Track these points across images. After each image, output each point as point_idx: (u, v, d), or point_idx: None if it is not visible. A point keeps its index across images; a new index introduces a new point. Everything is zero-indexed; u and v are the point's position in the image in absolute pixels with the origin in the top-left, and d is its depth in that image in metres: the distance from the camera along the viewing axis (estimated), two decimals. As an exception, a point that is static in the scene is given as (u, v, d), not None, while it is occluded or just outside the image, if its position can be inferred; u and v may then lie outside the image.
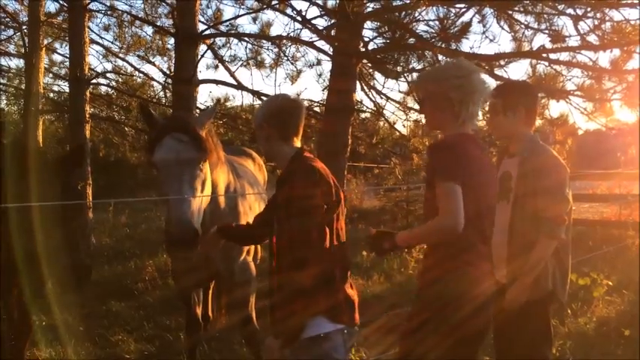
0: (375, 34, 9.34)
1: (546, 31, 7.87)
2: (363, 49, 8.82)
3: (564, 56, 7.77)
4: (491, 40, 8.08)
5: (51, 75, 14.53)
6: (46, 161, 3.56)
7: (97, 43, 12.20)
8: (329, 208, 2.50)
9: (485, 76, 2.64)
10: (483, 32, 7.95)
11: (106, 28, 12.17)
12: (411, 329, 2.54)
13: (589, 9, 7.30)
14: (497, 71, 8.06)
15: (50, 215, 3.18)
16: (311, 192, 2.44)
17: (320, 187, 2.48)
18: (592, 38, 7.50)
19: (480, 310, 2.43)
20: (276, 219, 2.56)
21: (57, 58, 14.43)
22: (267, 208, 2.93)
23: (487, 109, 3.28)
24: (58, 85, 15.19)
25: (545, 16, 7.87)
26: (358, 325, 2.62)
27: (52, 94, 14.74)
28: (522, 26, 8.30)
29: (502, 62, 8.16)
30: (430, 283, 2.46)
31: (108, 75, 13.22)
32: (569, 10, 7.52)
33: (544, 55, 7.70)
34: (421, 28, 8.20)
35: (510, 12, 8.08)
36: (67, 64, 10.60)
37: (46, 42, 11.64)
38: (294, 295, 2.40)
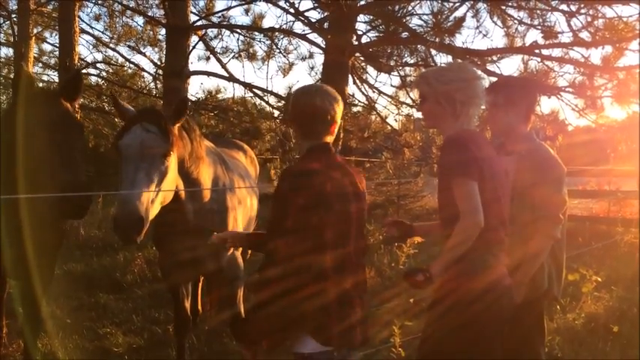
0: (369, 28, 9.33)
1: (539, 27, 7.88)
2: (356, 43, 8.78)
3: (556, 52, 7.82)
4: (484, 36, 8.11)
5: (40, 64, 14.42)
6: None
7: (88, 33, 12.12)
8: None
9: (484, 82, 2.64)
10: (477, 27, 7.97)
11: (97, 18, 12.10)
12: (434, 320, 2.53)
13: (582, 5, 7.32)
14: (490, 66, 8.08)
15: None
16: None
17: None
18: (584, 35, 7.54)
19: (503, 302, 2.48)
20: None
21: (46, 47, 14.33)
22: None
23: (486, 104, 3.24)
24: (48, 75, 15.07)
25: (538, 12, 7.88)
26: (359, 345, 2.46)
27: (41, 84, 14.59)
28: (515, 22, 8.33)
29: (495, 57, 8.17)
30: (457, 275, 2.44)
31: (98, 65, 13.13)
32: (563, 7, 7.55)
33: (536, 51, 7.71)
34: (415, 22, 8.24)
35: (504, 7, 8.09)
36: (57, 53, 10.52)
37: (35, 31, 11.52)
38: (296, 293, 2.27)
